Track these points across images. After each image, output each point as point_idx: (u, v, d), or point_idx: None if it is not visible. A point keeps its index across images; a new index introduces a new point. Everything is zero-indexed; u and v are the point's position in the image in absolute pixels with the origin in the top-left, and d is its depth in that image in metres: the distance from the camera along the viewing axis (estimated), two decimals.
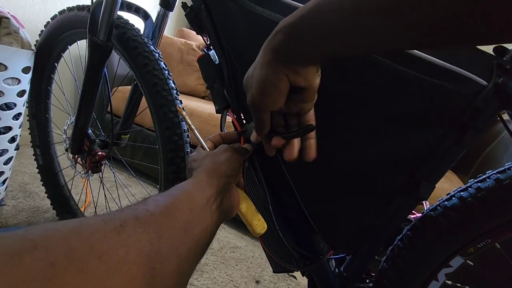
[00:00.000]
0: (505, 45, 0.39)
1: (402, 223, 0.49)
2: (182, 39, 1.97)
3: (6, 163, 0.92)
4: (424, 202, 0.65)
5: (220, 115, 0.54)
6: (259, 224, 0.43)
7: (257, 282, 0.96)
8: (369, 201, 0.44)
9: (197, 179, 0.36)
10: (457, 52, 0.37)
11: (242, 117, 0.54)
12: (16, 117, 0.90)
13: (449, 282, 0.49)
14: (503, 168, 0.40)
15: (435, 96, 0.35)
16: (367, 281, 0.57)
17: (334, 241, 0.48)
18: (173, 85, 0.64)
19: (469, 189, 0.41)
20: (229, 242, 1.15)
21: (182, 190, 0.32)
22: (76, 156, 0.82)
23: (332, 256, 0.54)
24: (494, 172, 0.40)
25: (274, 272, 0.54)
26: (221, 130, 0.53)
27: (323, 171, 0.44)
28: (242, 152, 0.42)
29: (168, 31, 2.24)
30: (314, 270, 0.50)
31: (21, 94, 0.88)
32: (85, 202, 1.19)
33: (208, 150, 0.44)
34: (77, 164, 0.85)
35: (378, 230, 0.46)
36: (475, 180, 0.42)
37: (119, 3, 0.58)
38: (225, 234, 1.21)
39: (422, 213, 0.47)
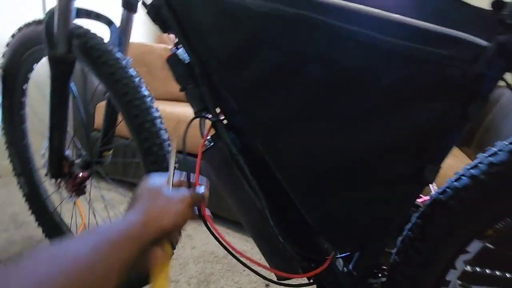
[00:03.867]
0: None
1: (409, 211, 0.45)
2: (162, 44, 1.92)
3: None
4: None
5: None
6: None
7: (267, 286, 0.92)
8: (370, 192, 0.40)
9: (131, 222, 0.32)
10: (450, 13, 0.32)
11: (222, 118, 0.49)
12: None
13: (468, 268, 0.45)
14: None
15: (430, 65, 0.31)
16: (380, 275, 0.53)
17: (337, 240, 0.43)
18: (146, 93, 0.59)
19: (480, 165, 0.37)
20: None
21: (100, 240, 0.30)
22: (59, 180, 0.77)
23: (338, 255, 0.49)
24: (506, 143, 0.36)
25: (278, 280, 0.50)
26: (202, 136, 0.48)
27: (315, 163, 0.39)
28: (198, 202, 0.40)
29: (148, 39, 2.18)
30: (323, 275, 0.46)
31: None
32: (81, 225, 1.15)
33: (170, 186, 0.40)
34: (61, 188, 0.80)
35: (384, 223, 0.42)
36: (486, 155, 0.37)
37: (73, 10, 0.53)
38: (229, 239, 1.16)
39: (430, 197, 0.43)
